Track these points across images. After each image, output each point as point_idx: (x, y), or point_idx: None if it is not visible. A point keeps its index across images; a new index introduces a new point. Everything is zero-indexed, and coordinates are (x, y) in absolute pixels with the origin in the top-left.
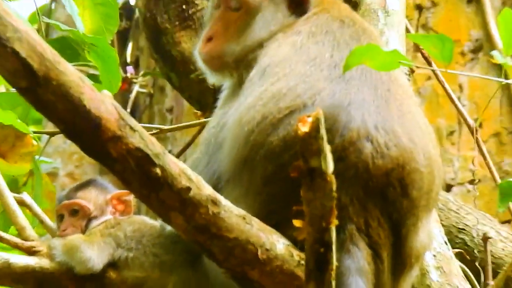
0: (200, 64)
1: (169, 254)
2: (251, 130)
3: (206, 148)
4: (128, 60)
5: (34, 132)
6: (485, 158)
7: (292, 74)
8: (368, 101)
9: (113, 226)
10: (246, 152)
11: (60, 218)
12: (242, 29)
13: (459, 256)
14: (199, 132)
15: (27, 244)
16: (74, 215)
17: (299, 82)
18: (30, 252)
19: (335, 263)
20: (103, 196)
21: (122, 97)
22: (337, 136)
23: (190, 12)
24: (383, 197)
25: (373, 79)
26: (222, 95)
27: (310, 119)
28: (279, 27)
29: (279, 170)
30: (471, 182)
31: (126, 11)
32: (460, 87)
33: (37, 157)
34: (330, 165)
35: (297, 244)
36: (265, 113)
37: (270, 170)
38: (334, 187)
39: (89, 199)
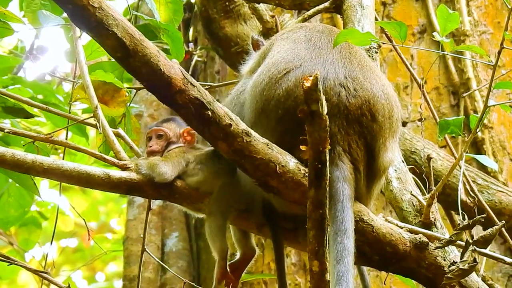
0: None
1: (217, 166)
2: (263, 88)
3: (232, 103)
4: (190, 39)
5: (127, 87)
6: (428, 104)
7: (283, 50)
8: (337, 59)
9: (185, 152)
10: (262, 104)
11: (148, 139)
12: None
13: (412, 170)
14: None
15: (121, 162)
16: (159, 138)
17: (289, 53)
18: (123, 168)
19: (328, 174)
20: (179, 129)
21: (185, 64)
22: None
23: (231, 7)
24: (359, 125)
25: (338, 46)
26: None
27: (311, 78)
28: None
29: (286, 113)
30: (420, 120)
31: (188, 6)
32: (412, 56)
33: (128, 104)
34: (325, 109)
35: (303, 162)
36: (270, 75)
37: (280, 114)
38: (328, 123)
39: (169, 128)
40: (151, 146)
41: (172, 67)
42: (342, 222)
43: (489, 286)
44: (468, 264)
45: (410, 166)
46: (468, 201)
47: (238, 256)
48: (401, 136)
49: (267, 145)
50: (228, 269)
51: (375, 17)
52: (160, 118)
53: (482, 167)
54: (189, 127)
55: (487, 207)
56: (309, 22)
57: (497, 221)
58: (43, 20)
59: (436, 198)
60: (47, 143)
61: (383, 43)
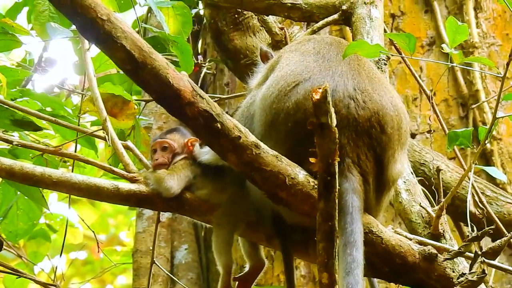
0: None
1: (226, 178)
2: (272, 101)
3: (243, 115)
4: (199, 51)
5: (136, 100)
6: (437, 116)
7: (291, 63)
8: (346, 71)
9: (192, 164)
10: (271, 117)
11: (153, 151)
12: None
13: (421, 182)
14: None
15: (130, 175)
16: (164, 150)
17: (298, 66)
18: (132, 180)
19: (337, 186)
20: (183, 139)
21: (194, 76)
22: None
23: (240, 19)
24: (368, 136)
25: (346, 58)
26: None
27: (320, 90)
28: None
29: (295, 125)
30: (429, 132)
31: (197, 19)
32: (421, 68)
33: (137, 116)
34: (334, 121)
35: (312, 174)
36: (279, 88)
37: (289, 126)
38: (337, 135)
39: (174, 140)
40: (157, 159)
41: (181, 80)
42: (352, 234)
43: None
44: (477, 275)
45: (419, 178)
46: (477, 212)
47: (247, 268)
48: (410, 148)
49: (277, 157)
50: (236, 283)
51: (384, 29)
52: None
53: (491, 179)
54: (193, 137)
55: (496, 219)
56: (318, 34)
57: (506, 232)
58: (52, 32)
59: (445, 210)
60: (56, 156)
61: (392, 55)
